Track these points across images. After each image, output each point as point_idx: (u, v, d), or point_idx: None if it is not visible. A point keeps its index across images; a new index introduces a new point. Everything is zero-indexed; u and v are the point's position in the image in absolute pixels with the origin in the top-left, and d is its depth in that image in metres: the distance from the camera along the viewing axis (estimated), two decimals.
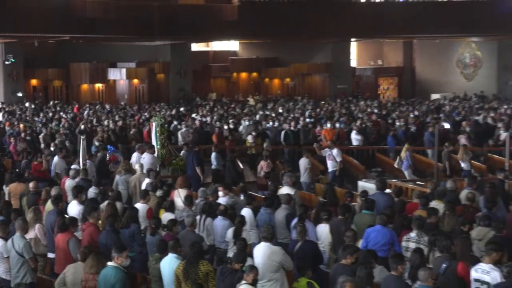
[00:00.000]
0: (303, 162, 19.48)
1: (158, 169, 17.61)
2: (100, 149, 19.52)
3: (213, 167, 20.45)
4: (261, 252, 10.15)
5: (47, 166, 18.41)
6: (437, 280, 8.64)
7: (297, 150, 23.60)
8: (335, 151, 20.14)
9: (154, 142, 18.55)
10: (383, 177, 18.71)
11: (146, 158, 17.76)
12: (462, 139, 23.66)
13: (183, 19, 35.59)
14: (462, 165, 20.08)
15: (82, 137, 18.48)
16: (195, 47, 45.31)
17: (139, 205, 13.05)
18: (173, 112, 31.62)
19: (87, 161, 17.70)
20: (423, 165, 23.49)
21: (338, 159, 20.04)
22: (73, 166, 17.57)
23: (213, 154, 20.30)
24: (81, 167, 17.09)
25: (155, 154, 17.90)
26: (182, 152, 19.27)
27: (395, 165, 20.77)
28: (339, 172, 20.03)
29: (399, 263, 8.99)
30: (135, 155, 18.58)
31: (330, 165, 20.23)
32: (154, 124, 18.98)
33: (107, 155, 19.05)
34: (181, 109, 33.15)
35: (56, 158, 18.26)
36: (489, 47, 43.13)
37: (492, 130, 25.46)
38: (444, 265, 9.38)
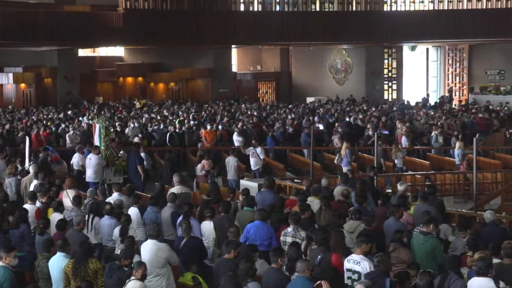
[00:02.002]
0: (230, 161, 19.59)
1: (103, 169, 17.57)
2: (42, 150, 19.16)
3: None
4: (148, 249, 10.11)
5: None
6: (313, 270, 8.80)
7: (182, 151, 23.62)
8: (259, 150, 20.64)
9: (97, 143, 18.17)
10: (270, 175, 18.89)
11: (92, 158, 17.55)
12: (336, 140, 24.18)
13: (69, 26, 34.67)
14: (396, 161, 20.59)
15: (26, 138, 18.30)
16: (82, 52, 44.46)
17: (28, 206, 12.77)
18: (61, 115, 30.92)
19: (31, 162, 17.43)
20: (299, 163, 23.91)
21: (262, 157, 20.35)
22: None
23: (142, 154, 20.03)
24: (27, 166, 16.94)
25: (100, 155, 17.61)
26: (121, 152, 19.00)
27: (335, 162, 20.71)
28: (262, 169, 20.39)
29: (279, 256, 9.11)
30: (76, 156, 18.57)
31: (253, 163, 20.51)
32: (97, 126, 18.50)
33: (49, 156, 18.77)
34: (69, 112, 32.43)
35: None
36: (358, 53, 44.23)
37: (362, 130, 26.12)
38: (319, 256, 9.57)
